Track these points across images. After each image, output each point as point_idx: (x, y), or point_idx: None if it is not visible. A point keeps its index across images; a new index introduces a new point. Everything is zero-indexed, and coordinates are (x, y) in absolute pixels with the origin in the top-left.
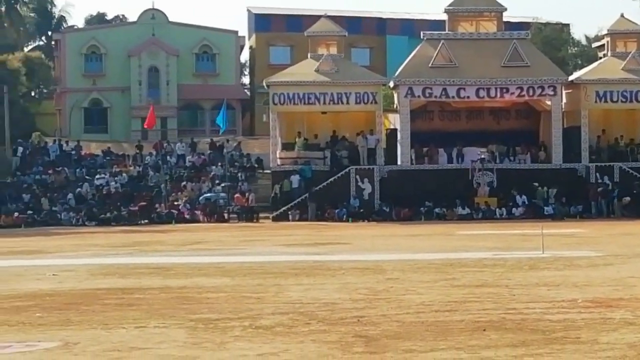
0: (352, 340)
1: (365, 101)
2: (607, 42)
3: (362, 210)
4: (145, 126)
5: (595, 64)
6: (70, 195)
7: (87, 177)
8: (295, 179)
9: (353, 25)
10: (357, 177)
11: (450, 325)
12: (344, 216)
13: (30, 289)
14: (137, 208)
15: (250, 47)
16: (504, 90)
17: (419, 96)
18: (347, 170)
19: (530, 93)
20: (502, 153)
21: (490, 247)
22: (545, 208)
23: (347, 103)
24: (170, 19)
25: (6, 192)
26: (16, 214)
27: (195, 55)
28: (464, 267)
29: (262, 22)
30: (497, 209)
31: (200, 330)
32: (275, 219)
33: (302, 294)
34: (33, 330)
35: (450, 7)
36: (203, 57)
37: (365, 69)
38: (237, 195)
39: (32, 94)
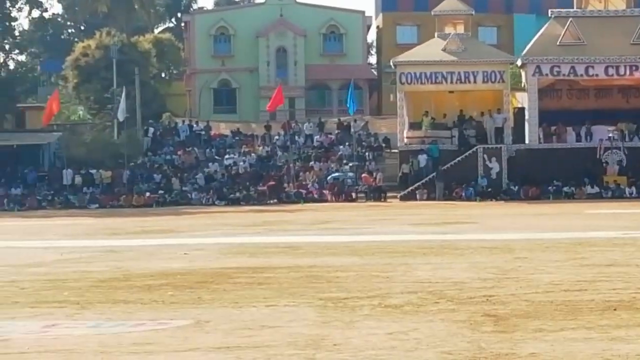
0: (481, 320)
1: (493, 80)
2: None
3: (489, 190)
4: (268, 109)
5: None
6: (200, 175)
7: (216, 157)
8: (422, 158)
9: (480, 3)
10: (485, 156)
11: (580, 305)
12: (472, 195)
13: (162, 268)
14: (265, 188)
15: (377, 27)
16: (633, 68)
17: (546, 74)
18: (474, 149)
19: None
20: (632, 131)
21: (620, 226)
22: None
23: (474, 82)
24: (298, 0)
25: (138, 172)
26: (148, 193)
27: (323, 36)
28: (593, 246)
29: (389, 1)
30: (627, 188)
31: (329, 309)
32: (402, 199)
33: (431, 273)
34: (165, 308)
35: None
36: (330, 37)
37: (493, 48)
38: (364, 174)
39: (163, 75)
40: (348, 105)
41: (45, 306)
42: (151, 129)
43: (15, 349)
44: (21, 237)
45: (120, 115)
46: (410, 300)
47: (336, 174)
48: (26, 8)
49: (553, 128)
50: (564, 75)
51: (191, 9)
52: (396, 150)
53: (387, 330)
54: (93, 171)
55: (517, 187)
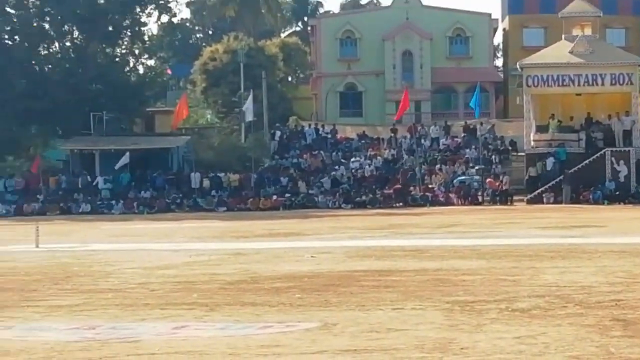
0: (610, 324)
1: (621, 82)
2: None
3: (617, 193)
4: (395, 118)
5: None
6: (326, 179)
7: (342, 160)
8: (549, 161)
9: (608, 5)
10: (613, 159)
11: None
12: (599, 199)
13: (289, 271)
14: (391, 191)
15: (504, 29)
16: None
17: None
18: (602, 152)
19: None
20: None
21: None
22: None
23: (602, 84)
24: (424, 3)
25: (265, 175)
26: (275, 196)
27: (449, 39)
28: None
29: (515, 4)
30: None
31: (456, 312)
32: (529, 202)
33: (558, 277)
34: (293, 310)
35: None
36: (456, 40)
37: (621, 50)
38: (489, 179)
39: (289, 79)
40: (474, 108)
41: (175, 308)
42: (278, 133)
43: (146, 350)
44: (151, 239)
45: (248, 119)
46: (537, 304)
47: (462, 177)
48: (155, 13)
49: None
50: None
51: (318, 13)
52: (523, 154)
53: (515, 334)
54: (221, 174)
55: None
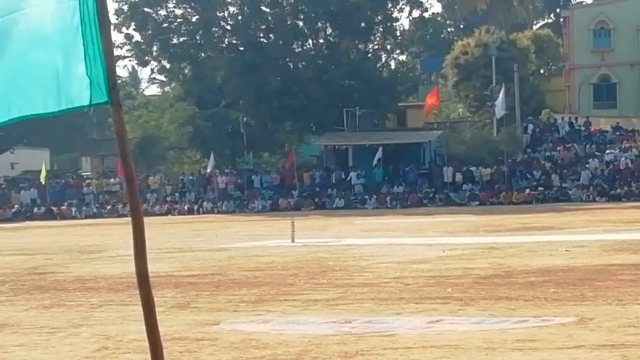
0: None
1: None
2: None
3: None
4: None
5: None
6: (584, 172)
7: (596, 153)
8: None
9: None
10: None
11: None
12: None
13: (543, 265)
14: None
15: None
16: None
17: None
18: None
19: None
20: None
21: None
22: None
23: None
24: None
25: (517, 169)
26: (527, 190)
27: None
28: None
29: None
30: None
31: None
32: None
33: None
34: (548, 305)
35: None
36: None
37: None
38: None
39: (541, 71)
40: None
41: (429, 302)
42: (530, 126)
43: (401, 344)
44: (404, 234)
45: (499, 113)
46: None
47: None
48: (407, 8)
49: None
50: None
51: (570, 4)
52: None
53: None
54: (473, 168)
55: None
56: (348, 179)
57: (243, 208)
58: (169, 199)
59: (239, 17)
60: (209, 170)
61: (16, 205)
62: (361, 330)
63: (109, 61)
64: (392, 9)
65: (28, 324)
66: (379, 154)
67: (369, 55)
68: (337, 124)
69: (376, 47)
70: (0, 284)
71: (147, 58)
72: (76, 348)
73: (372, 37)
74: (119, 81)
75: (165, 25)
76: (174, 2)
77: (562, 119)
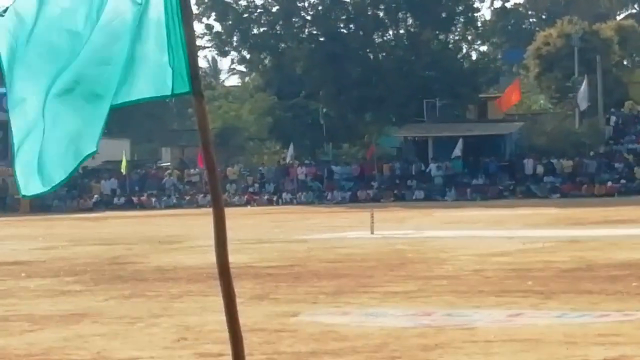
0: None
1: None
2: None
3: None
4: None
5: None
6: None
7: None
8: None
9: None
10: None
11: None
12: None
13: (626, 258)
14: None
15: None
16: None
17: None
18: None
19: None
20: None
21: None
22: None
23: None
24: None
25: (599, 161)
26: (609, 183)
27: None
28: None
29: None
30: None
31: None
32: None
33: None
34: (630, 299)
35: None
36: None
37: None
38: None
39: (625, 62)
40: None
41: (510, 295)
42: (613, 118)
43: (481, 337)
44: (484, 226)
45: (582, 104)
46: None
47: None
48: None
49: None
50: None
51: None
52: None
53: None
54: (554, 160)
55: None
56: (428, 170)
57: (322, 199)
58: (251, 189)
59: (319, 8)
60: (288, 161)
61: (96, 195)
62: (440, 322)
63: (191, 51)
64: (474, 0)
65: (108, 314)
66: (459, 146)
67: (450, 46)
68: (417, 116)
69: (457, 37)
70: (81, 274)
71: (227, 48)
72: (155, 338)
73: (453, 28)
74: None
75: (245, 15)
76: None
77: None
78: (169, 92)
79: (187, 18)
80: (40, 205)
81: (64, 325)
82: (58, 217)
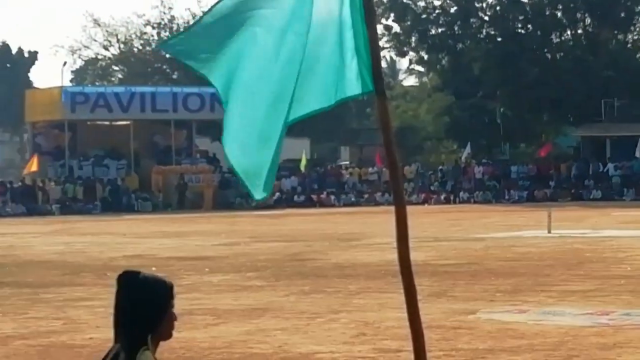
0: None
1: None
2: None
3: None
4: None
5: None
6: None
7: None
8: None
9: None
10: None
11: None
12: None
13: None
14: None
15: None
16: None
17: None
18: None
19: None
20: None
21: None
22: None
23: None
24: None
25: None
26: None
27: None
28: None
29: None
30: None
31: None
32: None
33: None
34: None
35: None
36: None
37: None
38: None
39: None
40: None
41: None
42: None
43: None
44: None
45: None
46: None
47: None
48: None
49: None
50: None
51: None
52: None
53: None
54: None
55: None
56: (605, 170)
57: (499, 198)
58: (432, 187)
59: (497, 8)
60: (464, 160)
61: (277, 193)
62: (619, 322)
63: (375, 52)
64: None
65: (289, 309)
66: (639, 147)
67: (629, 45)
68: (595, 115)
69: (636, 37)
70: (262, 270)
71: (405, 49)
72: (335, 333)
73: (632, 28)
74: None
75: (424, 16)
76: None
77: None
78: (353, 93)
79: (370, 20)
80: (223, 202)
81: (246, 320)
82: (240, 214)
